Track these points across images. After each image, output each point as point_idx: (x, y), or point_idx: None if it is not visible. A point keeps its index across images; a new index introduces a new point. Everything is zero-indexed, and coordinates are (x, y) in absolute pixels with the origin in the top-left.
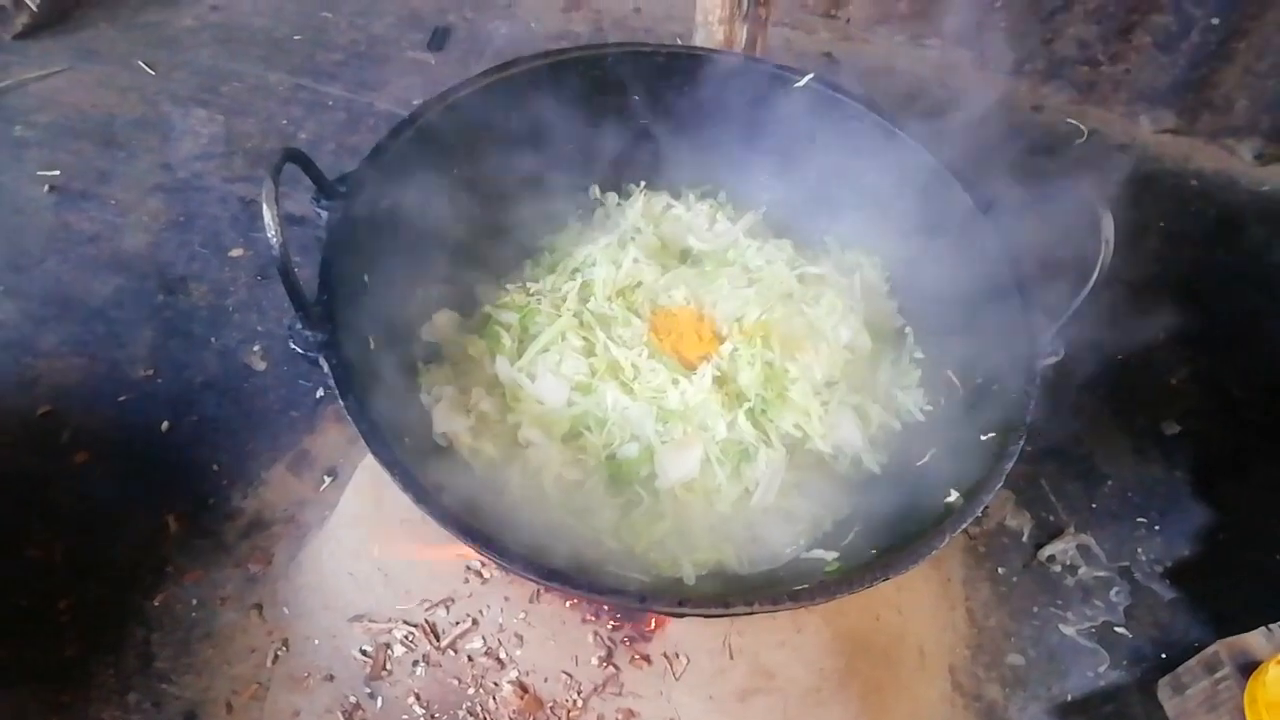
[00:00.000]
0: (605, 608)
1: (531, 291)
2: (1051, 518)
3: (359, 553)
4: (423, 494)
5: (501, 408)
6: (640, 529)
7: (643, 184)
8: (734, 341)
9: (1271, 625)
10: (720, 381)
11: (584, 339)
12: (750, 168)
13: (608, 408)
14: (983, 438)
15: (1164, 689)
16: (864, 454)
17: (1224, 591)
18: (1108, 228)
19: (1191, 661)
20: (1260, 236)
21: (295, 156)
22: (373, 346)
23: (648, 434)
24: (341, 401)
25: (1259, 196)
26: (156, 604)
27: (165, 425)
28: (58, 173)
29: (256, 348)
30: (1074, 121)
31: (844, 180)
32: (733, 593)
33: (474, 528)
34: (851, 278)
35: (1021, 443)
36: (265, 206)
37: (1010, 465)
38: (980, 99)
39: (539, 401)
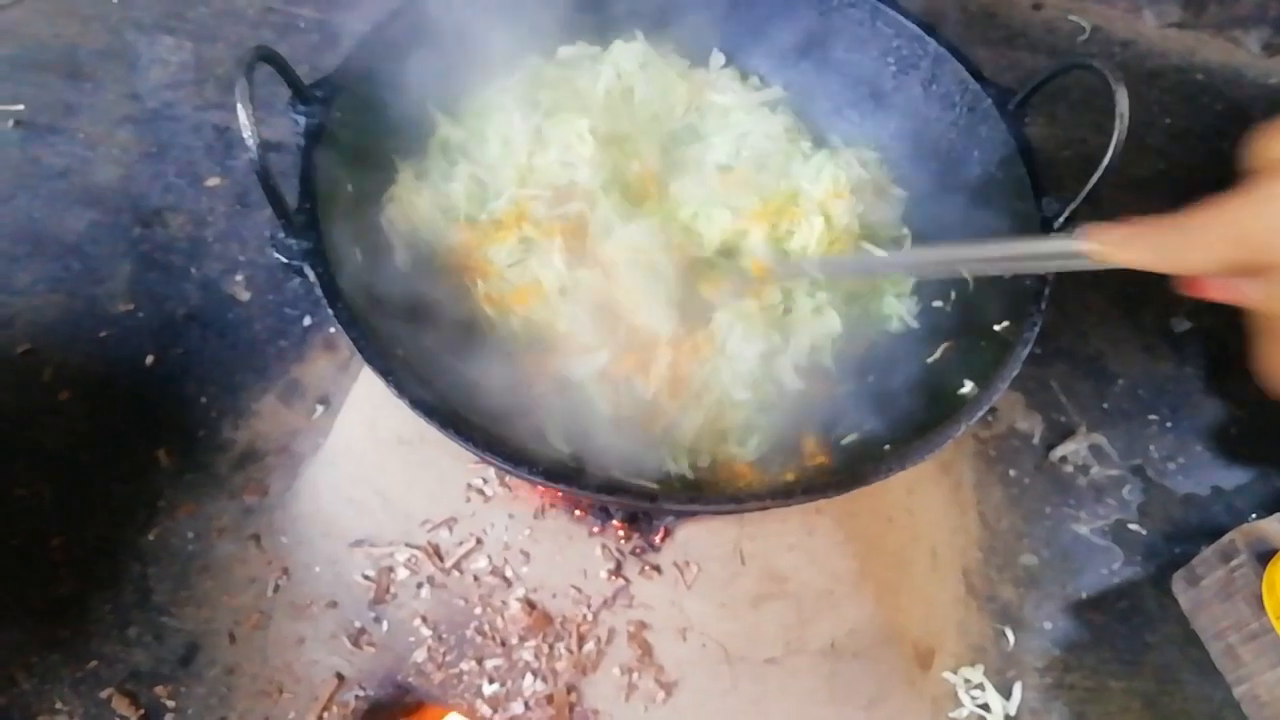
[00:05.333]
0: (613, 521)
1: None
2: (1062, 419)
3: (356, 478)
4: (420, 400)
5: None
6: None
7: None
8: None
9: None
10: None
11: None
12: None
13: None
14: (996, 328)
15: (1178, 582)
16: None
17: (1237, 485)
18: (1122, 101)
19: (1206, 551)
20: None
21: (269, 56)
22: (359, 256)
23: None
24: (330, 310)
25: (1266, 89)
26: (151, 539)
27: (149, 359)
28: (22, 107)
29: (239, 277)
30: (1075, 18)
31: (843, 73)
32: (744, 491)
33: (474, 431)
34: (853, 170)
35: (1037, 328)
36: (240, 105)
37: (1026, 351)
38: None
39: None
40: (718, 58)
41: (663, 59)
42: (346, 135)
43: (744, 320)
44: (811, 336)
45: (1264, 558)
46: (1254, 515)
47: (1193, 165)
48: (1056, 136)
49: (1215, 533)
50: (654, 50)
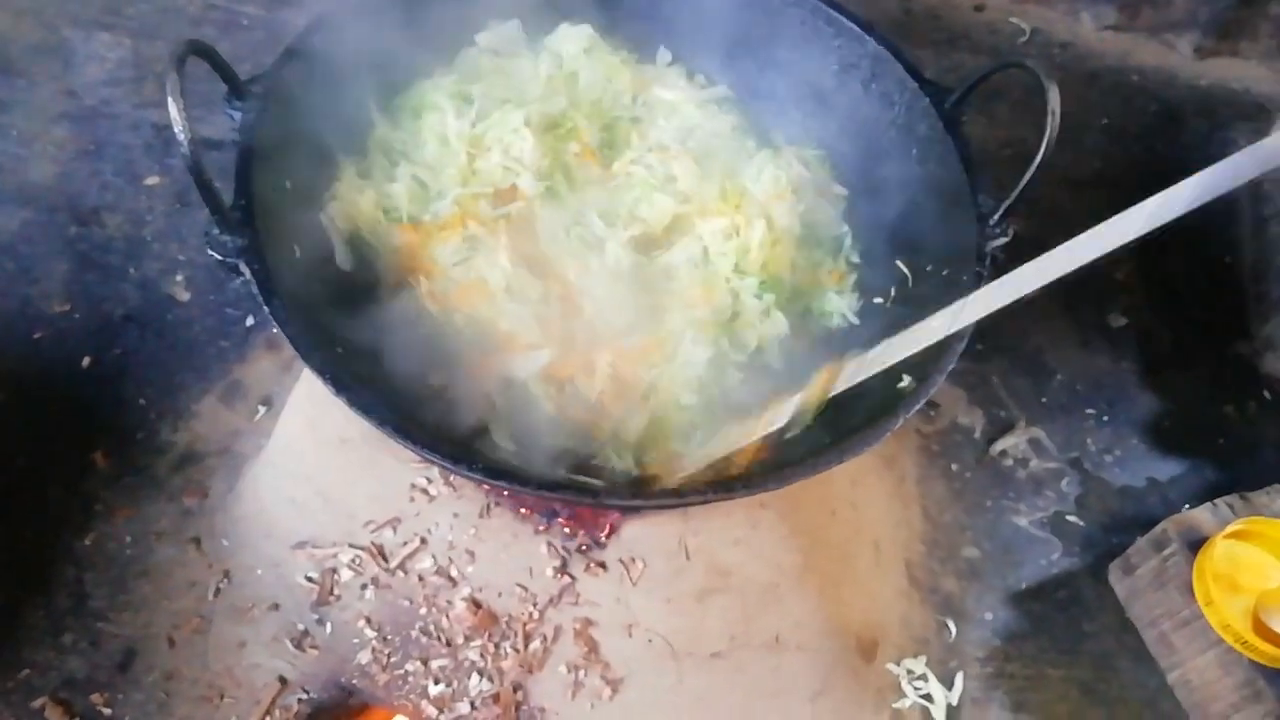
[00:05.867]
0: (559, 518)
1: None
2: (1002, 413)
3: (299, 478)
4: (358, 399)
5: None
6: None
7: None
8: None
9: (1217, 500)
10: None
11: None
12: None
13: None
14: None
15: (1114, 571)
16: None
17: (1171, 477)
18: (1054, 99)
19: (1140, 541)
20: (1201, 129)
21: (201, 50)
22: (298, 253)
23: None
24: (266, 309)
25: (1198, 90)
26: (88, 543)
27: (86, 361)
28: None
29: (179, 277)
30: (1016, 20)
31: (786, 72)
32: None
33: (414, 429)
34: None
35: (973, 324)
36: (170, 100)
37: (961, 346)
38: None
39: None
40: (664, 54)
41: (609, 47)
42: (284, 131)
43: (695, 326)
44: (759, 338)
45: (1194, 546)
46: (1187, 505)
47: (1128, 164)
48: (996, 136)
49: (1150, 523)
50: (599, 38)
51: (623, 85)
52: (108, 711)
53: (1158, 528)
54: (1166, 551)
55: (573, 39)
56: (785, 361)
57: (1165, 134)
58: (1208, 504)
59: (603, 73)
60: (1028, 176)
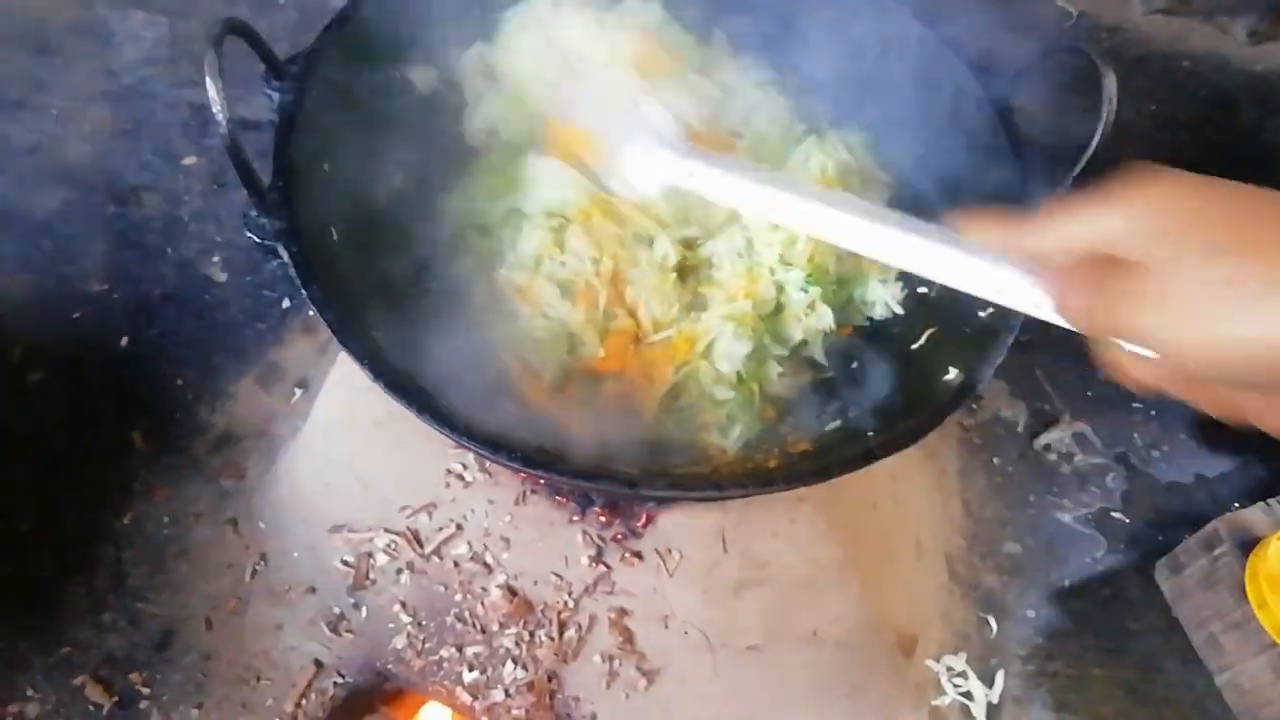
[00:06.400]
0: (594, 507)
1: None
2: (1046, 407)
3: (335, 462)
4: (395, 384)
5: None
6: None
7: None
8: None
9: (1270, 500)
10: None
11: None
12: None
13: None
14: (981, 314)
15: (1161, 570)
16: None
17: (1220, 474)
18: (1110, 86)
19: (1189, 540)
20: (1253, 117)
21: (240, 28)
22: (335, 236)
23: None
24: (304, 293)
25: (1252, 76)
26: (126, 523)
27: (124, 341)
28: None
29: (216, 258)
30: (1063, 3)
31: (831, 55)
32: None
33: (452, 416)
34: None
35: (1023, 316)
36: (209, 80)
37: (1011, 338)
38: None
39: None
40: (720, 35)
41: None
42: (323, 112)
43: (735, 320)
44: (805, 331)
45: (1246, 547)
46: (1236, 504)
47: (1177, 153)
48: (1042, 122)
49: (1198, 521)
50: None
51: (692, 65)
52: (146, 691)
53: (1208, 526)
54: (1217, 551)
55: (643, 13)
56: (826, 353)
57: (1217, 122)
58: (1261, 503)
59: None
60: (1079, 166)
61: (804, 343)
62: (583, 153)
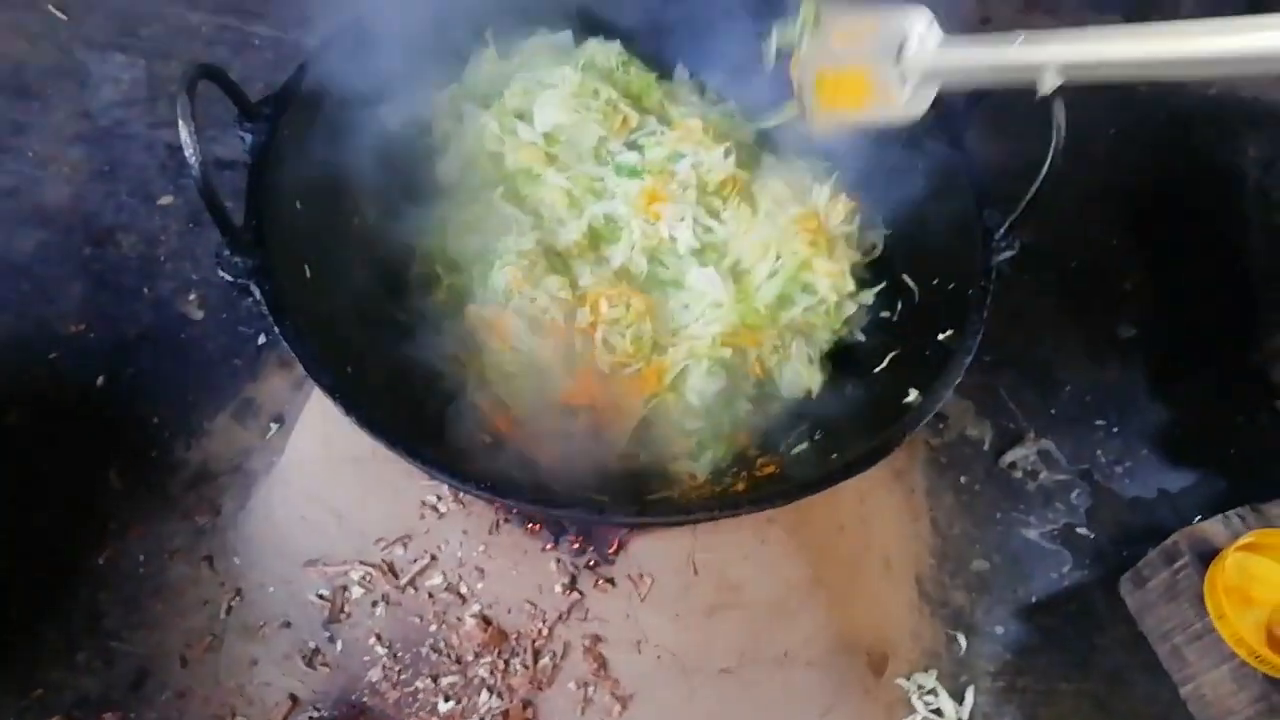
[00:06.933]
0: (568, 535)
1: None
2: (1011, 425)
3: (310, 496)
4: (366, 417)
5: None
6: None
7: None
8: None
9: (1228, 512)
10: None
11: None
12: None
13: None
14: (940, 337)
15: (1125, 584)
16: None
17: (1183, 488)
18: (1059, 114)
19: (1152, 554)
20: (1209, 138)
21: (211, 73)
22: (308, 274)
23: None
24: (277, 329)
25: (1207, 99)
26: (102, 561)
27: (100, 380)
28: None
29: (192, 296)
30: (1022, 32)
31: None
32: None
33: (424, 450)
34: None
35: (979, 336)
36: (181, 122)
37: (969, 359)
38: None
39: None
40: (682, 71)
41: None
42: (294, 152)
43: (706, 360)
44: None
45: (1206, 559)
46: (1199, 517)
47: (1137, 174)
48: (1004, 148)
49: (1162, 535)
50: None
51: (654, 101)
52: None
53: (1169, 540)
54: (1178, 564)
55: (604, 54)
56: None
57: (1174, 143)
58: (1219, 516)
59: (639, 87)
60: (1033, 191)
61: (772, 381)
62: (860, 93)
